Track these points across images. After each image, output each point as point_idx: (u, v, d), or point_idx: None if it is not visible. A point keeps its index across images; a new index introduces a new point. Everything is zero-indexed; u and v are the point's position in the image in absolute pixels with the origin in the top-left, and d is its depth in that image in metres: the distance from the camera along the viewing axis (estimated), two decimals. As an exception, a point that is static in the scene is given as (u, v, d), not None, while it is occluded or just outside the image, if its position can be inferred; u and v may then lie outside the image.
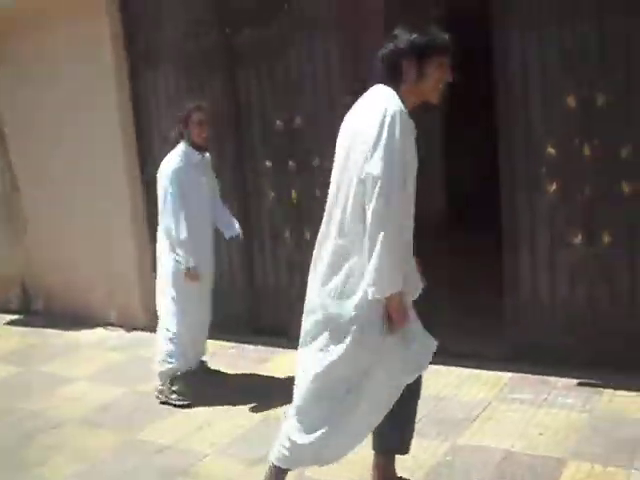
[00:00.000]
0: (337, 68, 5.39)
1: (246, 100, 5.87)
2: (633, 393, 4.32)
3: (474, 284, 6.32)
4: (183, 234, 4.70)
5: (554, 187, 4.66)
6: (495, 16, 4.74)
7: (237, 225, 5.12)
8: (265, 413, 4.60)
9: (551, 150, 4.63)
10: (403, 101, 2.94)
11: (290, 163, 5.68)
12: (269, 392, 4.85)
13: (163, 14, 6.19)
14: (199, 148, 4.89)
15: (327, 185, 3.12)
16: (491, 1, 4.73)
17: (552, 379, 4.59)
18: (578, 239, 4.62)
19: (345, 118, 3.13)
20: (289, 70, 5.62)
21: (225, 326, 5.58)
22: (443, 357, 5.02)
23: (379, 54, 3.03)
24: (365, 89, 3.07)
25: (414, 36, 2.96)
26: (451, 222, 9.15)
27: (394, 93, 2.95)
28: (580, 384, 4.48)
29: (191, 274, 4.74)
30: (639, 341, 4.46)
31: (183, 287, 4.81)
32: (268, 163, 5.81)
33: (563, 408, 4.25)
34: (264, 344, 5.81)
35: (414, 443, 3.46)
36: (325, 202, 3.13)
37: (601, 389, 4.38)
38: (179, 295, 4.86)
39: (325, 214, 3.12)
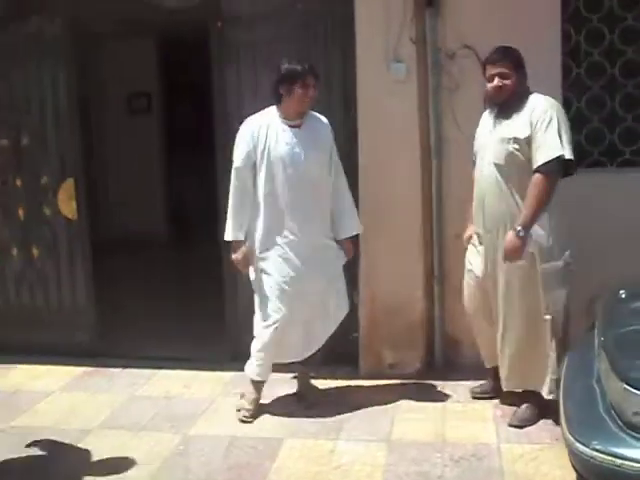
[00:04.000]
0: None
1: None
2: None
3: (198, 294, 6.81)
4: None
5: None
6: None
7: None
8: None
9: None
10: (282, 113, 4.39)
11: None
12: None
13: None
14: None
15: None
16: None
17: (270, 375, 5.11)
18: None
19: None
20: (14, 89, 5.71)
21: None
22: (170, 361, 5.46)
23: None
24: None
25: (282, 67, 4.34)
26: (176, 237, 9.75)
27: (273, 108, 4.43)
28: (294, 377, 5.03)
29: None
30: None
31: None
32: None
33: (280, 398, 4.82)
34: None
35: (147, 437, 3.84)
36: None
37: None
38: None
39: None
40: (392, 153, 4.90)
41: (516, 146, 4.03)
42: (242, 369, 4.71)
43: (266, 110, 4.50)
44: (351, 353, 5.12)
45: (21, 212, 5.78)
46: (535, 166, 3.98)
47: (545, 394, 4.19)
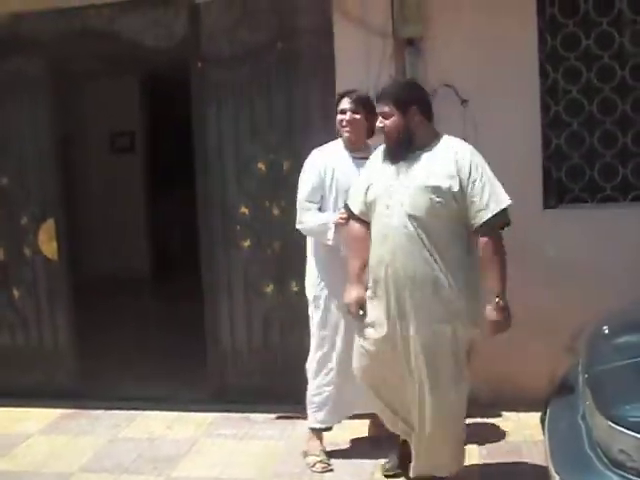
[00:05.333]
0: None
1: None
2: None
3: (180, 332, 6.77)
4: None
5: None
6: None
7: None
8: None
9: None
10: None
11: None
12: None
13: None
14: None
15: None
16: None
17: (252, 415, 5.09)
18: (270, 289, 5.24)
19: None
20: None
21: None
22: (152, 402, 5.40)
23: None
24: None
25: None
26: (158, 275, 9.74)
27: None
28: (278, 417, 5.03)
29: None
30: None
31: None
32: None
33: (263, 439, 4.77)
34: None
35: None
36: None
37: (295, 420, 4.97)
38: None
39: None
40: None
41: (438, 197, 3.53)
42: (225, 409, 4.64)
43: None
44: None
45: (1, 252, 5.74)
46: (480, 222, 3.54)
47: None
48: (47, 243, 5.58)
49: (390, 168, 3.69)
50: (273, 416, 5.03)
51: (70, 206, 5.83)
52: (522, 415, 4.77)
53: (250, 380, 5.29)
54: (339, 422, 4.47)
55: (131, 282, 9.24)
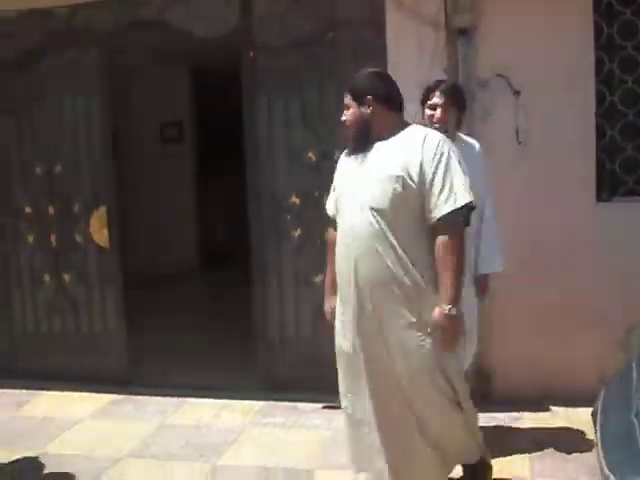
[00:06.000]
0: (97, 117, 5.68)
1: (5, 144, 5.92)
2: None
3: (229, 322, 6.81)
4: None
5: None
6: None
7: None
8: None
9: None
10: None
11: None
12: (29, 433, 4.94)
13: None
14: None
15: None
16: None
17: (300, 404, 5.11)
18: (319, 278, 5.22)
19: None
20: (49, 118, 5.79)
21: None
22: (200, 389, 5.44)
23: None
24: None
25: None
26: (207, 265, 9.81)
27: None
28: (325, 407, 5.03)
29: None
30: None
31: None
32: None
33: (310, 428, 4.78)
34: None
35: (177, 466, 3.91)
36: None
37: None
38: None
39: None
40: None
41: (401, 188, 3.20)
42: (273, 398, 4.65)
43: None
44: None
45: (53, 239, 5.83)
46: (436, 217, 3.20)
47: None
48: (98, 231, 5.65)
49: (352, 162, 3.44)
50: (320, 405, 5.03)
51: (121, 195, 5.88)
52: (571, 410, 4.69)
53: (298, 369, 5.31)
54: None
55: (180, 270, 9.32)
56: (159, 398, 5.43)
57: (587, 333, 4.65)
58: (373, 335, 3.32)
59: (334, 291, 3.60)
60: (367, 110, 3.34)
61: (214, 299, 8.64)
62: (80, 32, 5.61)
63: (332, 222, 3.61)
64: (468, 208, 3.21)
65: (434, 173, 3.17)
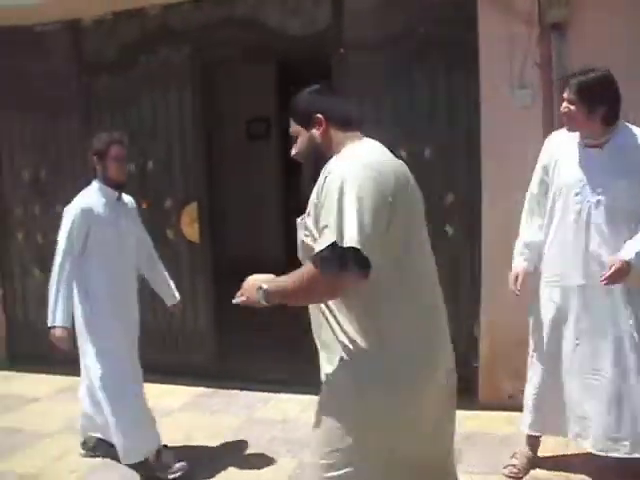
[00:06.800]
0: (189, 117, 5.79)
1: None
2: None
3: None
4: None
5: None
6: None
7: (176, 293, 4.75)
8: None
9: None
10: None
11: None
12: None
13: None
14: (116, 186, 4.29)
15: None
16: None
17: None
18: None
19: None
20: (142, 116, 5.92)
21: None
22: (287, 384, 5.46)
23: None
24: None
25: None
26: (293, 262, 9.72)
27: None
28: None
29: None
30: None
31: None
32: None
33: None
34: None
35: (264, 460, 4.06)
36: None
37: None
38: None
39: None
40: (518, 182, 4.76)
41: (306, 234, 2.61)
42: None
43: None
44: (470, 382, 5.01)
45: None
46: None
47: None
48: (189, 225, 5.75)
49: None
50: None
51: (210, 190, 5.96)
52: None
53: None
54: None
55: (267, 265, 9.34)
56: (247, 392, 5.51)
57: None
58: None
59: None
60: (317, 131, 2.64)
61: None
62: (174, 31, 5.72)
63: None
64: (342, 250, 2.35)
65: (321, 207, 2.46)
